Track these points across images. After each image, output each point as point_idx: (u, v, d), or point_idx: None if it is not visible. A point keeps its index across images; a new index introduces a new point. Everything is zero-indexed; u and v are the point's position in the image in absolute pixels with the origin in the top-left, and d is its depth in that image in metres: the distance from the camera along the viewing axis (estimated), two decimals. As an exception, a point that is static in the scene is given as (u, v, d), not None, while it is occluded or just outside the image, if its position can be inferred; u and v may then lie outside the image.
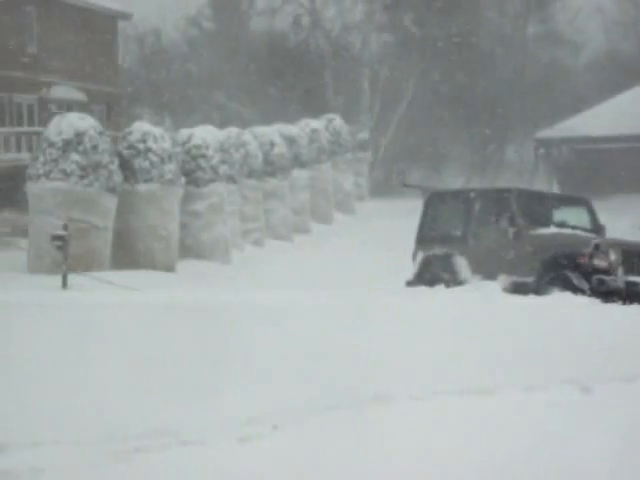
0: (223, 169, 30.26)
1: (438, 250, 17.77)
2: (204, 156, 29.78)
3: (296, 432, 7.01)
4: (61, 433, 6.73)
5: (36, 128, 35.24)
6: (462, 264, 17.32)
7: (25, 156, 31.80)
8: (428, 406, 7.92)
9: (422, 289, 16.92)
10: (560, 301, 14.33)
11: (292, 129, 38.79)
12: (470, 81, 50.94)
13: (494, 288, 16.09)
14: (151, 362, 9.09)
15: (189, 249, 28.57)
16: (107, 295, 16.09)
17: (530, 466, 6.44)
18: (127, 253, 26.31)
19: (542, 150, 49.13)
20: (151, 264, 26.25)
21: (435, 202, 18.92)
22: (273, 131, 36.90)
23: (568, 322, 12.26)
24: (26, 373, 8.41)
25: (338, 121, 44.28)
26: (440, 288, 16.74)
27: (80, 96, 40.46)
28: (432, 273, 17.61)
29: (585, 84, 54.80)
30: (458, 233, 17.78)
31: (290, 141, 37.49)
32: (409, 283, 18.08)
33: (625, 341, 10.90)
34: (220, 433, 6.86)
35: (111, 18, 45.78)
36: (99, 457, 6.19)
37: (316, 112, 44.86)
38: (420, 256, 18.10)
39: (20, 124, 38.26)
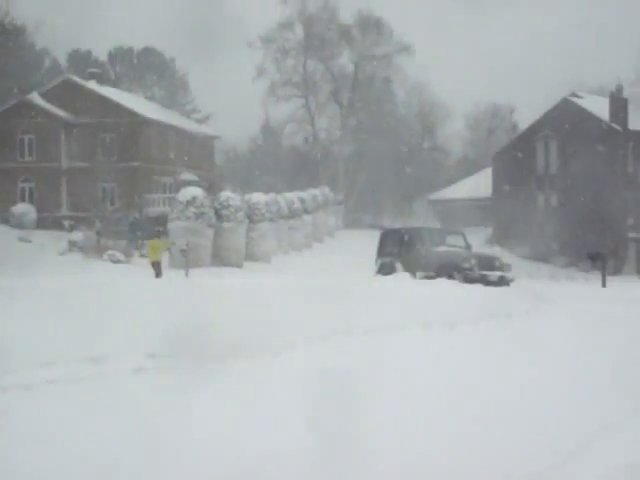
0: (267, 215, 30.38)
1: (387, 259, 17.56)
2: (258, 208, 29.93)
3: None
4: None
5: (172, 195, 35.30)
6: (399, 266, 17.12)
7: (167, 209, 31.78)
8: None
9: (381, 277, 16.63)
10: (441, 283, 13.96)
11: (303, 194, 38.89)
12: (394, 169, 50.84)
13: (406, 276, 15.98)
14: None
15: (249, 256, 28.61)
16: (205, 280, 15.21)
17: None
18: (218, 258, 26.33)
19: (432, 205, 49.54)
20: (230, 264, 26.23)
21: (386, 234, 18.74)
22: (293, 195, 37.03)
23: (441, 291, 11.56)
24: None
25: (327, 190, 44.46)
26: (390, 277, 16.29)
27: (195, 178, 40.49)
28: (385, 270, 17.40)
29: (454, 172, 55.12)
30: (396, 250, 17.58)
31: (302, 201, 37.60)
32: (374, 274, 17.82)
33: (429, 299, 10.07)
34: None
35: (209, 138, 45.82)
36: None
37: (316, 185, 45.03)
38: (379, 262, 17.85)
39: (164, 192, 38.32)
